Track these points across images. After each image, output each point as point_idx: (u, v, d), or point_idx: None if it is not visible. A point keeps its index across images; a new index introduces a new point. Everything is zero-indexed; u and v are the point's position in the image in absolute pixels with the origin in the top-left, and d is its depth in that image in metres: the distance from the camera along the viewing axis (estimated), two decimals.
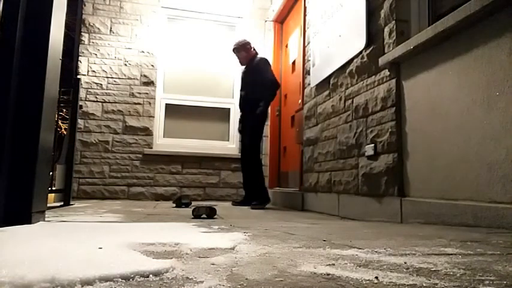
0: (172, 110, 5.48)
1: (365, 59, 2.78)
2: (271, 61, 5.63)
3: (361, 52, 2.83)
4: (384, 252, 1.13)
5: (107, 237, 1.37)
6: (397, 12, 2.43)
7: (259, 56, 4.43)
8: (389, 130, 2.43)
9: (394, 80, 2.42)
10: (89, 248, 1.10)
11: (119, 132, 5.18)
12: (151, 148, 5.26)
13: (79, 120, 4.67)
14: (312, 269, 0.90)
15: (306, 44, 4.10)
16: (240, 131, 4.49)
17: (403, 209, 2.25)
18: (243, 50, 4.39)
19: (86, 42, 5.22)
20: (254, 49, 4.44)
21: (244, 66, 4.47)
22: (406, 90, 2.35)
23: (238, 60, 4.50)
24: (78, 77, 4.94)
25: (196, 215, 2.53)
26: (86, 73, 5.17)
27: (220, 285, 0.76)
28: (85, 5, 5.28)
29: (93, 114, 5.13)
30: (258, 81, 4.15)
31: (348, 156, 2.97)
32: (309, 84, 3.88)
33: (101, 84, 5.20)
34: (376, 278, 0.82)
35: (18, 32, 1.81)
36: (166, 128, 5.44)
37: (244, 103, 4.31)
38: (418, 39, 2.15)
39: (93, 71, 5.20)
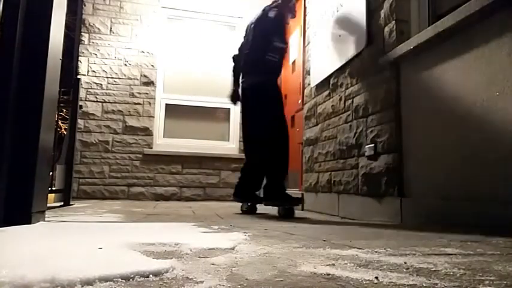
0: (172, 110, 5.48)
1: (365, 59, 2.78)
2: None
3: (361, 52, 2.83)
4: (384, 252, 1.13)
5: (106, 237, 1.37)
6: (397, 12, 2.43)
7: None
8: (389, 130, 2.43)
9: (394, 80, 2.42)
10: (89, 248, 1.10)
11: (119, 132, 5.18)
12: (151, 148, 5.26)
13: (79, 120, 4.67)
14: (312, 269, 0.90)
15: (306, 44, 4.09)
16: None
17: (403, 209, 2.25)
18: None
19: (86, 42, 5.22)
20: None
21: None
22: (406, 90, 2.34)
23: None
24: (78, 77, 4.94)
25: None
26: (86, 73, 5.17)
27: (220, 285, 0.76)
28: (85, 5, 5.28)
29: (93, 114, 5.13)
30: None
31: (348, 156, 2.97)
32: (309, 84, 3.88)
33: (101, 84, 5.20)
34: (376, 278, 0.82)
35: (18, 32, 1.81)
36: (166, 128, 5.44)
37: None
38: (418, 39, 2.15)
39: (93, 71, 5.20)
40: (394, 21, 2.44)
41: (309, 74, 3.88)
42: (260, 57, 3.10)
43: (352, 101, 2.94)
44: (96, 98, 5.17)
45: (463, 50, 1.90)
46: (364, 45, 2.76)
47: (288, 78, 5.17)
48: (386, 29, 2.52)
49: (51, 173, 2.99)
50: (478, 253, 1.10)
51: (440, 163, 2.03)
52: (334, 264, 0.96)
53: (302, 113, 4.10)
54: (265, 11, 3.27)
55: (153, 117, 5.33)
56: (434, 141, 2.08)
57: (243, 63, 3.40)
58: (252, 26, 3.38)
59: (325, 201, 3.31)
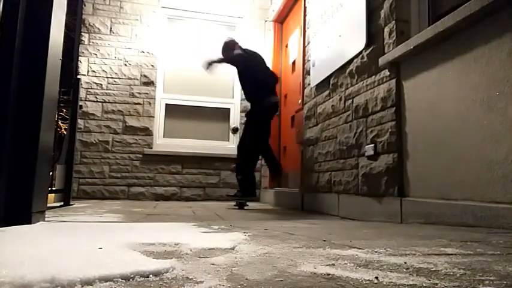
0: (172, 110, 5.48)
1: (365, 59, 2.78)
2: (270, 61, 5.65)
3: (361, 52, 2.83)
4: (384, 252, 1.13)
5: (106, 237, 1.37)
6: (397, 12, 2.43)
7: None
8: (389, 130, 2.43)
9: (394, 80, 2.42)
10: (88, 248, 1.10)
11: (119, 132, 5.18)
12: (151, 148, 5.26)
13: (79, 120, 4.67)
14: (312, 269, 0.90)
15: (306, 44, 4.09)
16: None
17: (403, 209, 2.25)
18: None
19: (86, 42, 5.23)
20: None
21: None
22: (406, 90, 2.35)
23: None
24: (78, 77, 4.94)
25: None
26: (86, 73, 5.17)
27: (220, 285, 0.76)
28: (85, 5, 5.28)
29: (93, 114, 5.13)
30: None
31: (348, 156, 2.97)
32: (309, 84, 3.88)
33: (101, 84, 5.20)
34: (376, 278, 0.82)
35: (18, 32, 1.81)
36: (166, 128, 5.44)
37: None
38: (418, 39, 2.15)
39: (93, 71, 5.20)
40: (394, 21, 2.44)
41: (309, 74, 3.88)
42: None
43: (352, 101, 2.94)
44: (96, 98, 5.17)
45: (463, 50, 1.90)
46: (364, 45, 2.76)
47: (288, 78, 5.17)
48: (386, 29, 2.52)
49: (51, 173, 2.99)
50: (478, 253, 1.10)
51: (440, 163, 2.03)
52: (334, 264, 0.96)
53: (302, 113, 4.10)
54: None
55: (153, 117, 5.33)
56: (434, 141, 2.08)
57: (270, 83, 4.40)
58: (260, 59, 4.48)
59: (325, 201, 3.31)
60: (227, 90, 5.67)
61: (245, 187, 4.05)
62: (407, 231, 1.73)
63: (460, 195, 1.87)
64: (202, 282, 0.77)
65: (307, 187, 3.77)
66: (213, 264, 0.95)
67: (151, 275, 0.82)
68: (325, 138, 3.41)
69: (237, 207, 3.93)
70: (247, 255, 1.07)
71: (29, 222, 1.73)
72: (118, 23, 5.35)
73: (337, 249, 1.19)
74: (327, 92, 3.45)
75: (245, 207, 3.94)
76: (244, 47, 4.45)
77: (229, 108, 5.60)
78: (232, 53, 4.31)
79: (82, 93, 4.98)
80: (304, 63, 4.14)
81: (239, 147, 4.31)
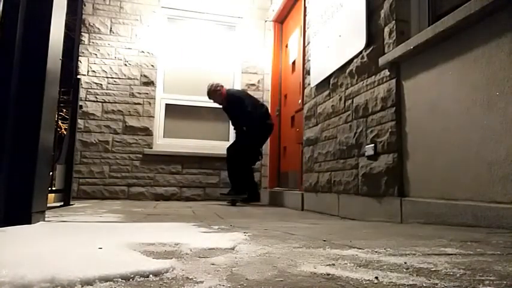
0: (172, 110, 5.48)
1: (365, 59, 2.78)
2: (270, 61, 5.65)
3: (361, 52, 2.83)
4: (384, 252, 1.13)
5: (107, 237, 1.37)
6: (397, 12, 2.43)
7: (229, 92, 4.83)
8: (389, 130, 2.43)
9: (394, 80, 2.42)
10: (88, 248, 1.10)
11: (119, 132, 5.18)
12: (151, 148, 5.26)
13: (79, 120, 4.67)
14: (312, 269, 0.90)
15: (306, 44, 4.09)
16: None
17: (403, 209, 2.25)
18: (215, 94, 4.75)
19: (86, 42, 5.23)
20: (223, 88, 4.80)
21: (221, 106, 4.93)
22: (406, 90, 2.35)
23: (216, 103, 4.90)
24: (78, 77, 4.94)
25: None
26: (86, 73, 5.17)
27: (220, 285, 0.76)
28: (85, 5, 5.28)
29: (93, 114, 5.13)
30: (240, 114, 4.72)
31: (348, 156, 2.97)
32: (309, 84, 3.88)
33: (101, 84, 5.20)
34: (376, 278, 0.82)
35: (18, 32, 1.81)
36: (166, 128, 5.44)
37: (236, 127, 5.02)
38: (418, 39, 2.15)
39: (93, 71, 5.20)
40: (394, 21, 2.44)
41: (309, 74, 3.88)
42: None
43: (352, 101, 2.94)
44: (96, 98, 5.17)
45: (463, 50, 1.90)
46: (364, 45, 2.76)
47: (288, 78, 5.17)
48: (386, 29, 2.52)
49: (51, 173, 2.99)
50: (478, 253, 1.10)
51: (440, 163, 2.03)
52: (334, 264, 0.96)
53: (302, 113, 4.10)
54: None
55: (153, 117, 5.33)
56: (434, 141, 2.08)
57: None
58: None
59: (325, 201, 3.31)
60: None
61: (237, 186, 4.59)
62: (407, 231, 1.73)
63: (460, 195, 1.87)
64: (202, 282, 0.77)
65: (307, 187, 3.77)
66: (213, 264, 0.95)
67: (151, 275, 0.82)
68: (325, 138, 3.41)
69: (229, 204, 4.45)
70: (247, 255, 1.07)
71: (29, 222, 1.73)
72: (118, 23, 5.35)
73: (337, 249, 1.19)
74: (327, 92, 3.45)
75: (237, 204, 4.41)
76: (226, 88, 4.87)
77: None
78: (223, 95, 4.76)
79: (82, 93, 4.98)
80: (304, 63, 4.14)
81: (231, 153, 4.73)
